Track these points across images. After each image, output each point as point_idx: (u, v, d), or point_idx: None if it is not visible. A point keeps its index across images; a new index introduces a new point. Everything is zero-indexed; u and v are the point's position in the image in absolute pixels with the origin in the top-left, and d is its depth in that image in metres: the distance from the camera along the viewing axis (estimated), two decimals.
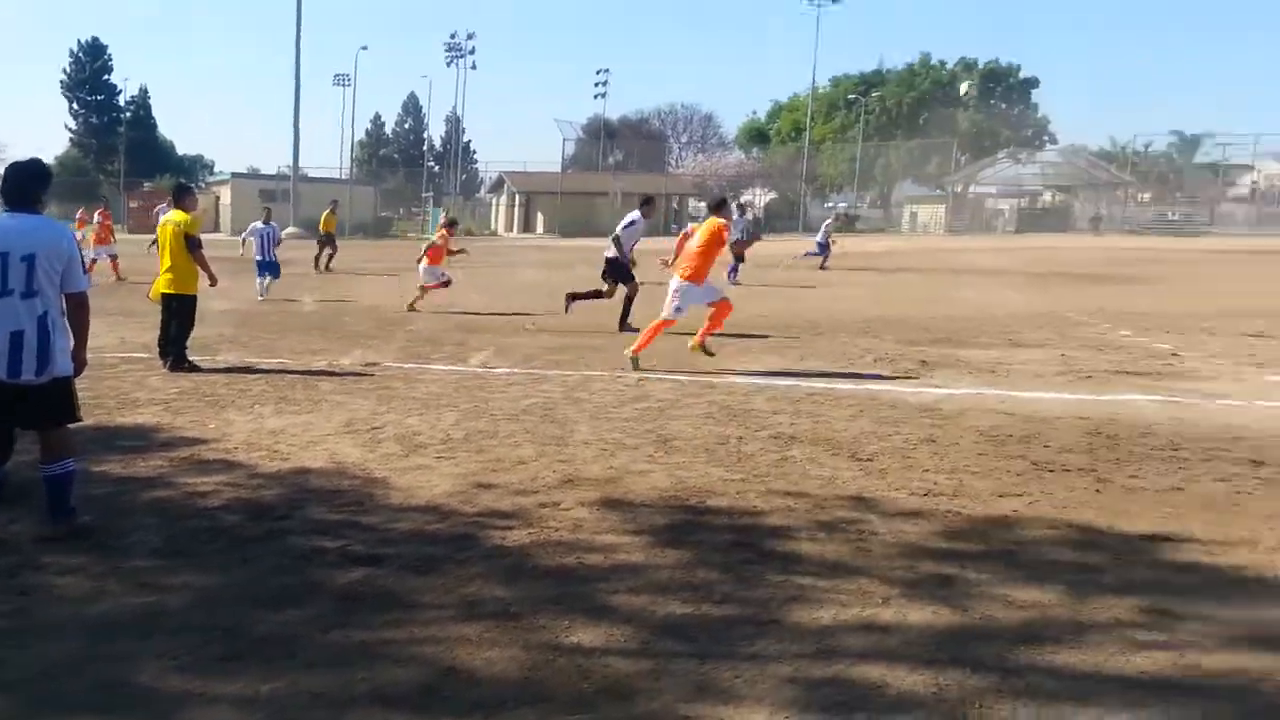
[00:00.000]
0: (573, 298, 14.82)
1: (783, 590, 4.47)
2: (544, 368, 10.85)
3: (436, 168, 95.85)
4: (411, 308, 16.94)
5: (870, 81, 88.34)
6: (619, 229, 14.60)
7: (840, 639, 3.97)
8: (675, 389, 9.48)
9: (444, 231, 18.56)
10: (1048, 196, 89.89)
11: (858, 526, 5.36)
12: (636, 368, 10.52)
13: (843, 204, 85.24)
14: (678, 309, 10.97)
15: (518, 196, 76.53)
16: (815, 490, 6.07)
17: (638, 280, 14.63)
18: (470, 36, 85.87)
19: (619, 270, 14.45)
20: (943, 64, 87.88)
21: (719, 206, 11.82)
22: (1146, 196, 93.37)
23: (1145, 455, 6.96)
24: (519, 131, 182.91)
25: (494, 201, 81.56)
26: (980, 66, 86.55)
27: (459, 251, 19.23)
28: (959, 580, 4.59)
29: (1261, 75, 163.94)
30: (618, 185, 73.37)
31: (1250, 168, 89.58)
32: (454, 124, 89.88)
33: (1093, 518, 5.55)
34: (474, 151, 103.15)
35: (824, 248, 30.99)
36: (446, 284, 17.79)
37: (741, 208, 31.72)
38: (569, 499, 5.87)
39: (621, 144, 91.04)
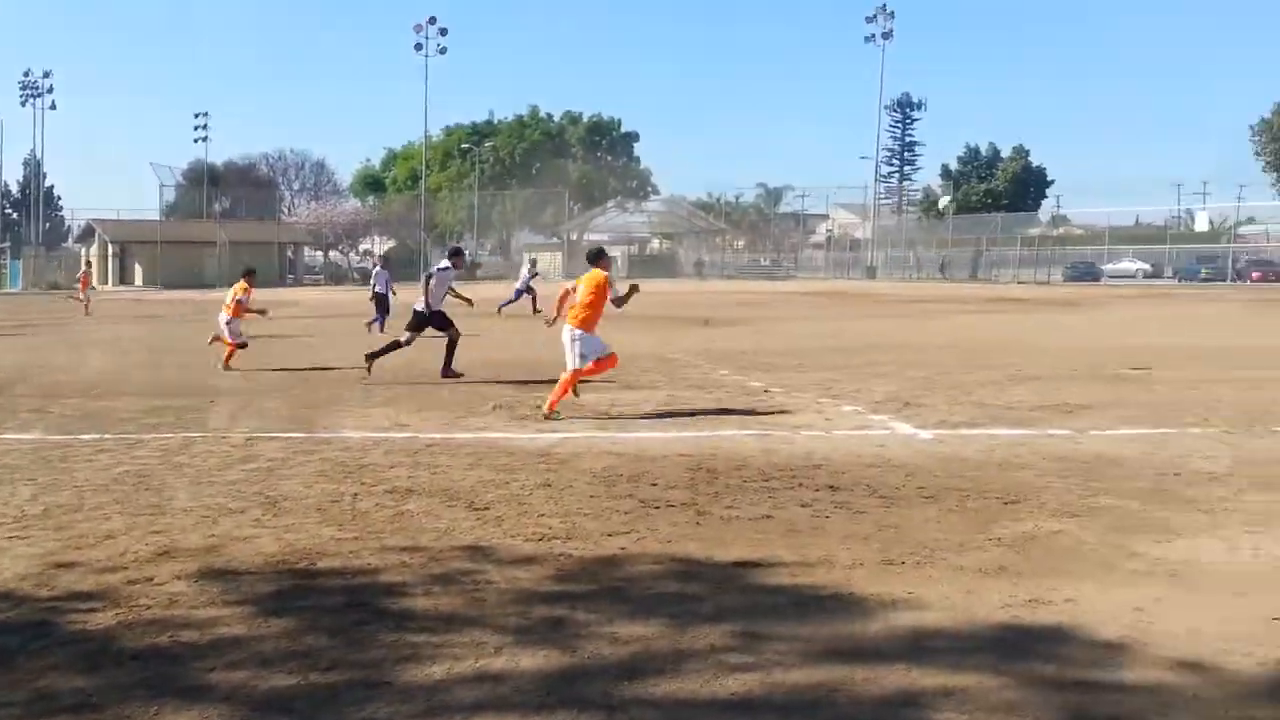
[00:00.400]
0: (371, 357, 14.27)
1: (395, 649, 4.38)
2: (139, 432, 10.04)
3: (15, 215, 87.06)
4: (227, 366, 15.77)
5: (482, 131, 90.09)
6: (429, 279, 14.46)
7: (453, 693, 3.94)
8: (287, 447, 9.09)
9: (244, 283, 16.88)
10: (656, 244, 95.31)
11: (473, 577, 5.36)
12: (557, 417, 10.64)
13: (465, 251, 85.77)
14: (582, 356, 11.12)
15: (110, 246, 70.87)
16: (431, 543, 6.02)
17: (457, 327, 14.52)
18: (47, 75, 79.17)
19: (425, 320, 14.35)
20: (550, 116, 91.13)
21: (599, 257, 11.99)
22: (741, 243, 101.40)
23: (740, 486, 7.49)
24: (112, 177, 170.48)
25: (83, 252, 74.97)
26: (585, 119, 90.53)
27: (259, 311, 17.19)
28: (569, 621, 4.70)
29: (831, 134, 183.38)
30: (224, 234, 69.81)
31: (826, 217, 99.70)
32: (33, 167, 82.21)
33: (693, 549, 5.89)
34: (59, 198, 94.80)
35: (523, 291, 30.78)
36: (243, 346, 16.31)
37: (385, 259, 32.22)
38: (163, 573, 5.45)
39: (228, 190, 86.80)
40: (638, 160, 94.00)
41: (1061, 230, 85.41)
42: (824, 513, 6.74)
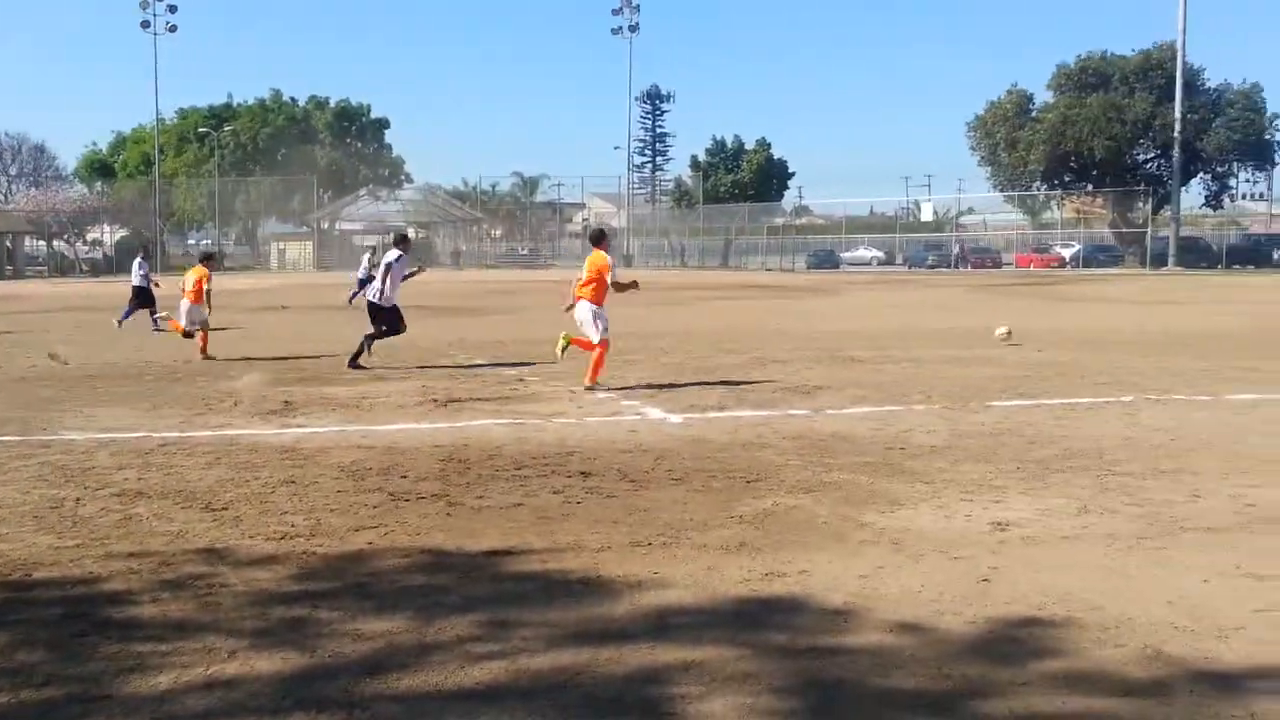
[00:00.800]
0: (356, 356, 14.12)
1: (118, 660, 4.11)
2: None
3: None
4: (204, 354, 15.52)
5: (221, 115, 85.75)
6: (383, 271, 14.26)
7: (181, 703, 3.74)
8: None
9: (202, 267, 16.57)
10: (410, 232, 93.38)
11: (207, 580, 5.11)
12: (602, 387, 11.71)
13: (205, 240, 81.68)
14: (605, 328, 11.94)
15: None
16: (161, 547, 5.69)
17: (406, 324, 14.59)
18: None
19: (381, 312, 14.27)
20: (295, 100, 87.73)
21: (600, 239, 12.64)
22: (498, 232, 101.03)
23: (492, 476, 7.47)
24: None
25: None
26: (332, 105, 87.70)
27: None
28: (310, 621, 4.56)
29: (586, 125, 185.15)
30: None
31: (582, 206, 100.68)
32: None
33: (443, 541, 5.83)
34: None
35: (365, 282, 28.85)
36: (192, 335, 15.99)
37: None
38: None
39: None
40: (389, 147, 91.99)
41: (804, 220, 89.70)
42: (575, 498, 6.81)
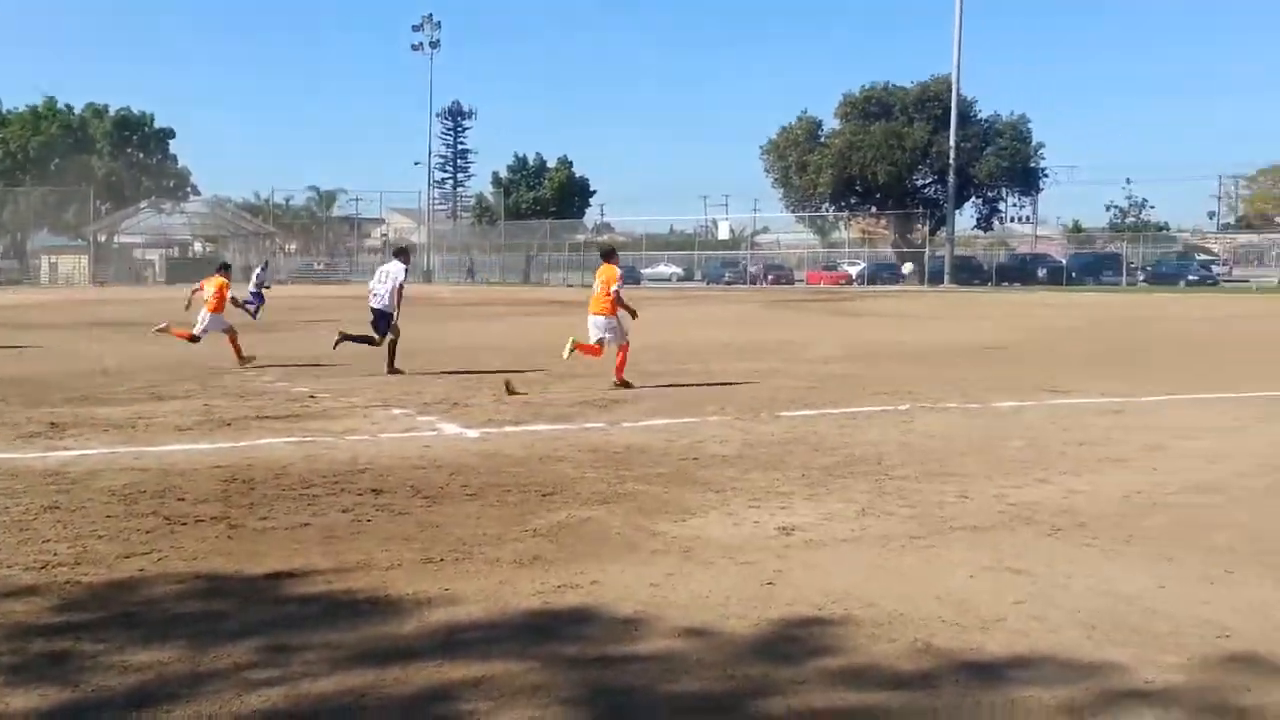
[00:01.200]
0: (344, 337, 15.40)
1: None
2: None
3: None
4: (242, 361, 16.03)
5: None
6: (395, 285, 14.96)
7: None
8: None
9: (220, 277, 16.95)
10: (198, 247, 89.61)
11: None
12: (629, 385, 12.98)
13: None
14: (624, 334, 13.36)
15: None
16: None
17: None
18: None
19: (387, 320, 14.99)
20: (70, 108, 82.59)
21: (610, 255, 14.32)
22: (293, 247, 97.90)
23: (278, 496, 7.20)
24: None
25: None
26: (112, 113, 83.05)
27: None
28: (73, 654, 4.27)
29: (386, 140, 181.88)
30: None
31: (381, 221, 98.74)
32: None
33: (222, 565, 5.57)
34: None
35: (258, 297, 28.47)
36: (196, 339, 16.50)
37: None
38: None
39: None
40: (174, 158, 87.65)
41: (605, 236, 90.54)
42: (365, 516, 6.65)
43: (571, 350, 13.38)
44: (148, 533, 6.21)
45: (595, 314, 13.42)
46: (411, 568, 5.52)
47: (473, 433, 9.89)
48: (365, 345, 15.32)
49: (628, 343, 13.40)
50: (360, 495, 7.22)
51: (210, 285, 16.66)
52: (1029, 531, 6.27)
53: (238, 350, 16.26)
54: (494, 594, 5.08)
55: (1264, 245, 76.30)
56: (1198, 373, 15.10)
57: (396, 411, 11.33)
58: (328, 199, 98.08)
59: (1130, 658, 4.25)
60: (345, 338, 15.45)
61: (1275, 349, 19.44)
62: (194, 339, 16.53)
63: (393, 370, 14.79)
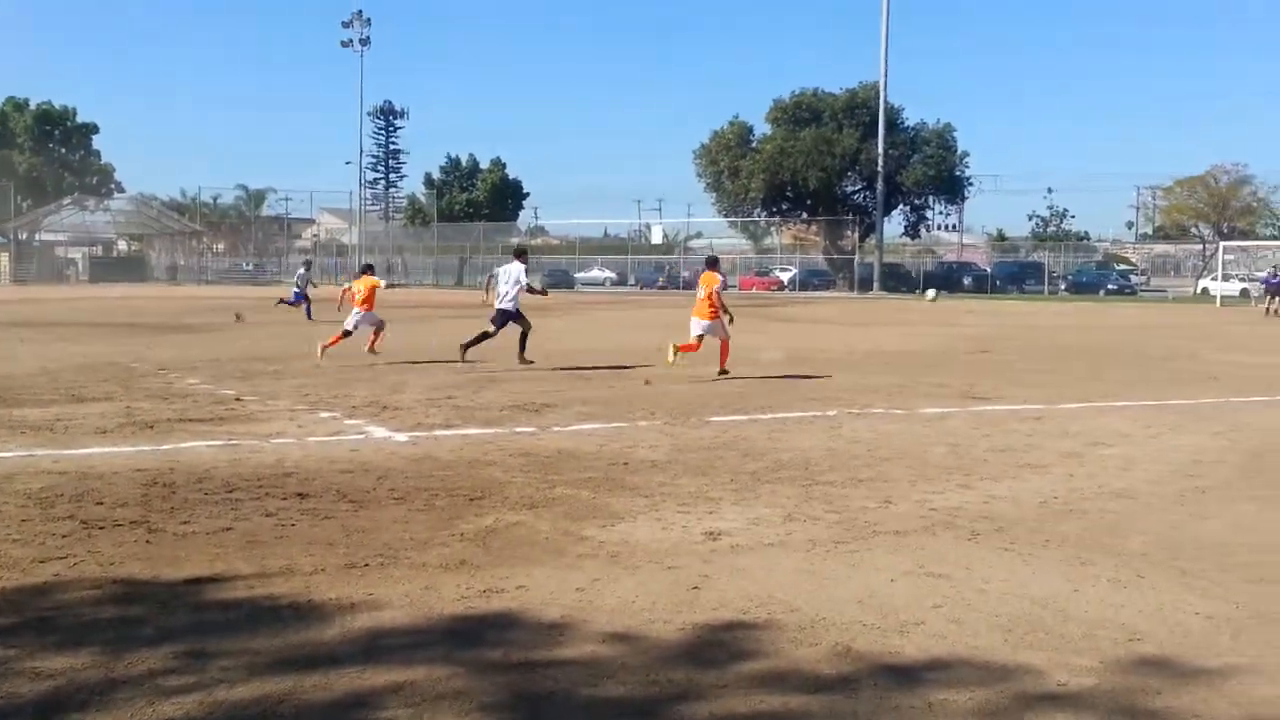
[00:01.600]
0: (466, 347, 16.28)
1: None
2: None
3: None
4: (372, 349, 17.29)
5: None
6: (518, 284, 16.40)
7: None
8: None
9: (371, 278, 18.30)
10: (122, 245, 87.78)
11: None
12: (727, 374, 14.91)
13: None
14: (725, 331, 15.12)
15: None
16: None
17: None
18: None
19: (512, 318, 16.36)
20: None
21: (713, 264, 16.12)
22: (221, 247, 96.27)
23: (200, 500, 7.08)
24: None
25: None
26: (33, 107, 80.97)
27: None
28: None
29: (317, 139, 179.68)
30: None
31: (312, 221, 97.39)
32: None
33: (139, 570, 5.47)
34: None
35: (303, 297, 29.91)
36: (349, 333, 17.42)
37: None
38: None
39: None
40: (98, 154, 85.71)
41: (539, 240, 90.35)
42: (290, 520, 6.57)
43: (675, 352, 15.09)
44: (64, 537, 6.08)
45: (698, 317, 15.16)
46: (335, 573, 5.47)
47: (401, 436, 9.81)
48: (482, 341, 16.44)
49: (728, 337, 15.21)
50: (285, 499, 7.13)
51: (361, 285, 18.03)
52: (950, 536, 6.38)
53: (374, 342, 17.52)
54: (419, 599, 5.06)
55: (1180, 256, 78.53)
56: (1115, 381, 15.48)
57: (324, 414, 11.20)
58: (256, 198, 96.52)
59: (1044, 661, 4.36)
60: (467, 347, 16.34)
61: (1189, 359, 20.00)
62: (347, 334, 17.49)
63: (524, 361, 16.13)
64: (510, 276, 16.61)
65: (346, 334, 17.48)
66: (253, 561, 5.66)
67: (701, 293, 15.33)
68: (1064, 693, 4.05)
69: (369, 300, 17.68)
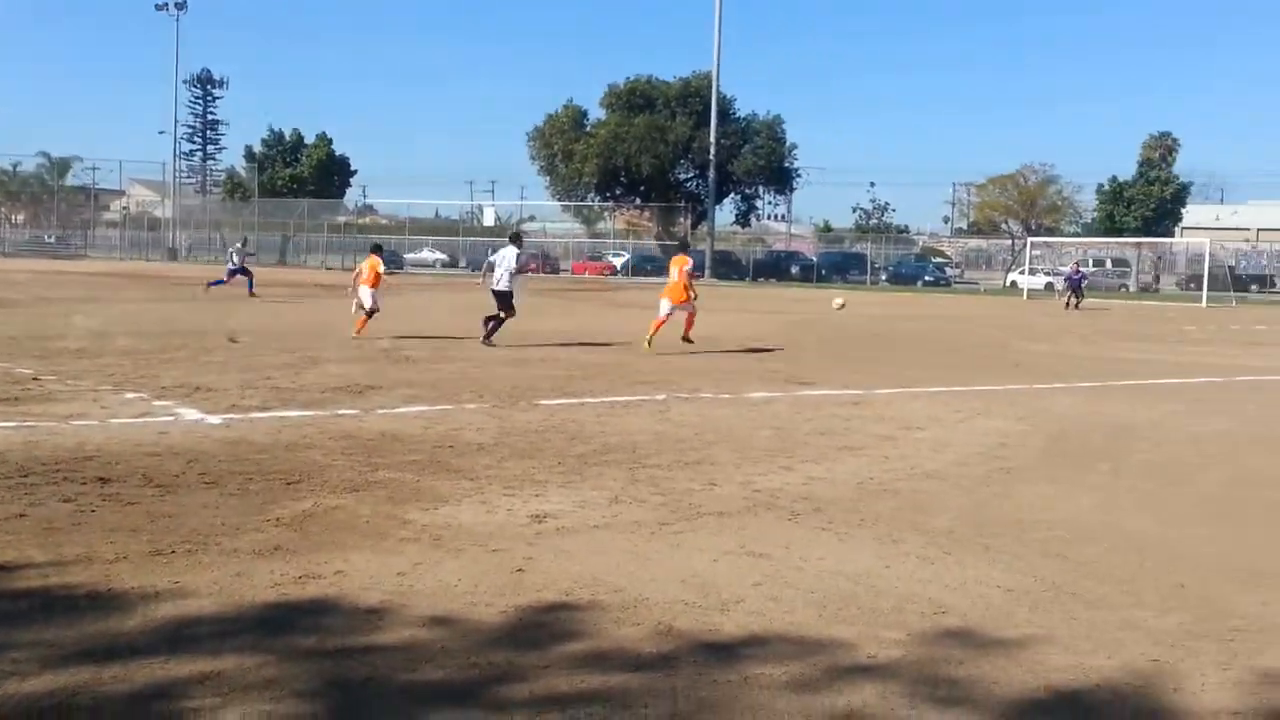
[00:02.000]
0: (489, 333, 16.77)
1: None
2: None
3: None
4: (359, 333, 17.42)
5: None
6: (511, 269, 17.01)
7: None
8: None
9: (376, 257, 18.59)
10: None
11: None
12: (690, 341, 16.95)
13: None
14: (667, 314, 17.14)
15: None
16: None
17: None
18: None
19: (508, 300, 16.97)
20: None
21: (684, 248, 19.79)
22: (21, 218, 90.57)
23: None
24: None
25: None
26: None
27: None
28: None
29: (128, 106, 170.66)
30: None
31: (122, 193, 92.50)
32: None
33: None
34: None
35: (244, 271, 30.29)
36: (373, 313, 18.00)
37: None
38: None
39: None
40: None
41: (367, 219, 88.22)
42: (90, 506, 6.22)
43: (652, 336, 16.68)
44: None
45: (669, 299, 17.10)
46: (138, 560, 5.20)
47: (214, 419, 9.42)
48: (501, 325, 16.86)
49: (695, 310, 17.27)
50: (85, 484, 6.75)
51: (366, 265, 18.54)
52: (771, 516, 6.53)
53: (363, 324, 17.83)
54: (228, 586, 4.86)
55: (992, 250, 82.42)
56: (928, 368, 16.15)
57: (130, 395, 10.66)
58: (60, 166, 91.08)
59: (856, 635, 4.50)
60: (490, 331, 16.80)
61: (997, 347, 21.04)
62: (372, 313, 17.98)
63: (488, 342, 16.58)
64: (506, 260, 17.15)
65: (372, 313, 18.03)
66: (48, 549, 5.33)
67: (674, 275, 17.11)
68: (873, 664, 4.19)
69: (375, 279, 18.30)
